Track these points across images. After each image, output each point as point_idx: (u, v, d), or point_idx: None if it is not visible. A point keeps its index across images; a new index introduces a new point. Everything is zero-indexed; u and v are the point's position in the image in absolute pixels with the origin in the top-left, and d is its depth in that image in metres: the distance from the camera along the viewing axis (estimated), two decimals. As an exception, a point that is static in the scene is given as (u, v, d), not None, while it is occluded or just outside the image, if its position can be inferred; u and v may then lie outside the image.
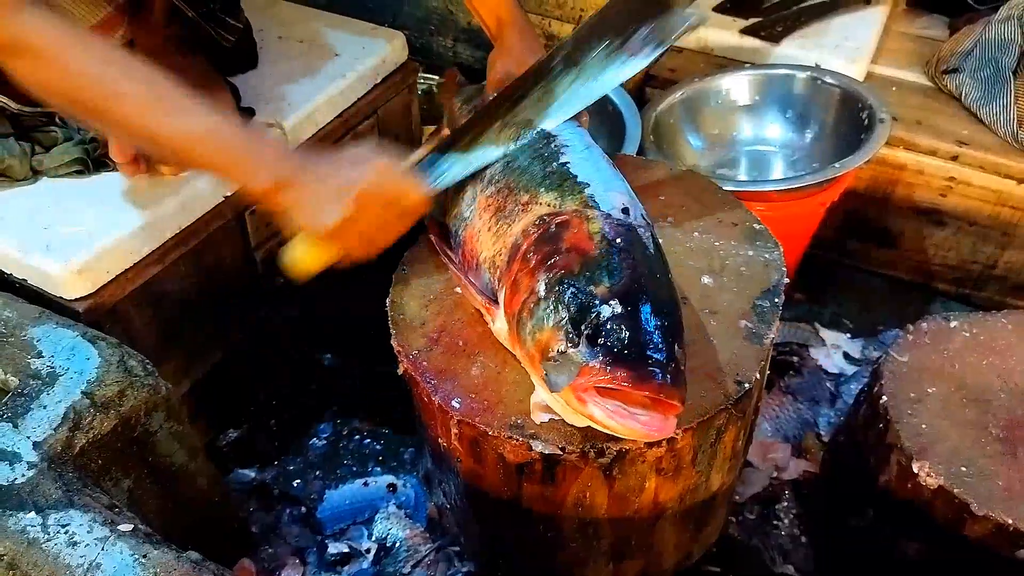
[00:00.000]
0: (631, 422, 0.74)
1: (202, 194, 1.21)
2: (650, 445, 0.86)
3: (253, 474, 1.41)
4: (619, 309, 0.77)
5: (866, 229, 1.74)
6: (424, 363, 0.95)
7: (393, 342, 0.99)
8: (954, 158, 1.56)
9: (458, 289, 1.02)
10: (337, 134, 1.43)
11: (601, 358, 0.74)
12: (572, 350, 0.76)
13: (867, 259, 1.78)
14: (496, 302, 0.90)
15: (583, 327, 0.76)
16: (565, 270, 0.82)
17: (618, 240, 0.84)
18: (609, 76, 1.00)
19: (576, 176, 0.93)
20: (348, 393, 1.54)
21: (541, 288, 0.81)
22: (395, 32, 1.53)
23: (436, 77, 1.81)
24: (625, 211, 0.89)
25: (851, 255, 1.79)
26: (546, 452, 0.86)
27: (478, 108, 1.12)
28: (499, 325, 0.89)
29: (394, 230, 0.93)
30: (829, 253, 1.76)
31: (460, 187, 1.03)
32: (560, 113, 1.01)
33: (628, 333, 0.75)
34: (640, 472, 0.90)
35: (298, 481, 1.41)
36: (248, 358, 1.44)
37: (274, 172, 0.88)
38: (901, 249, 1.74)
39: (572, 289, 0.79)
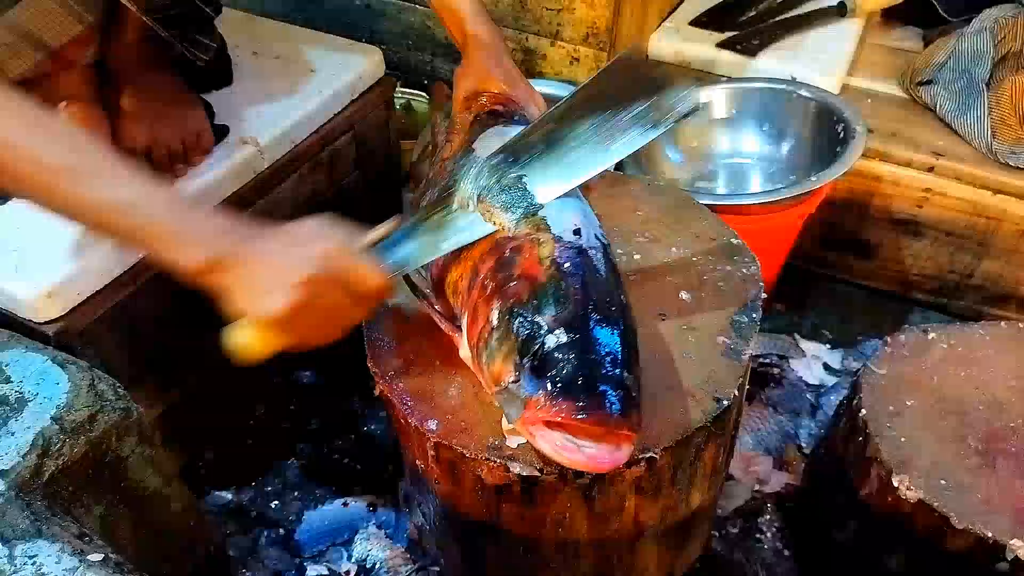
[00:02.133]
0: (577, 456, 0.73)
1: (176, 213, 1.20)
2: (628, 465, 0.86)
3: (230, 496, 1.39)
4: (563, 339, 0.75)
5: (844, 240, 1.75)
6: (400, 384, 0.94)
7: (369, 363, 0.98)
8: (930, 169, 1.57)
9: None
10: (314, 150, 1.42)
11: (546, 391, 0.72)
12: (516, 383, 0.75)
13: (845, 270, 1.79)
14: (460, 329, 0.89)
15: (526, 359, 0.75)
16: (515, 298, 0.79)
17: (567, 265, 0.81)
18: (596, 159, 0.91)
19: (532, 196, 0.89)
20: (327, 413, 1.52)
21: (494, 318, 0.80)
22: (372, 47, 1.52)
23: (414, 92, 1.80)
24: (577, 232, 0.86)
25: (830, 266, 1.80)
26: (524, 474, 0.85)
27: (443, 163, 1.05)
28: (464, 352, 0.88)
29: (349, 318, 0.83)
30: (808, 264, 1.77)
31: None
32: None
33: (573, 363, 0.73)
34: (619, 492, 0.90)
35: (276, 502, 1.39)
36: (225, 379, 1.42)
37: (209, 248, 0.78)
38: (879, 260, 1.75)
39: (519, 319, 0.77)
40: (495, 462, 0.86)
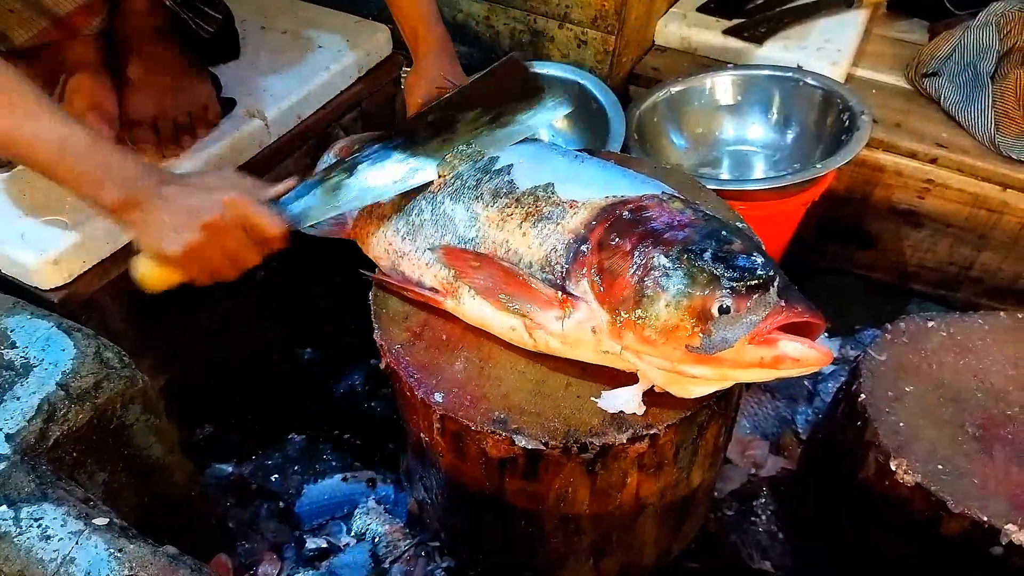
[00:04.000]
0: (816, 349, 0.77)
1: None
2: (632, 441, 0.87)
3: (230, 469, 1.39)
4: (761, 259, 0.81)
5: (845, 230, 1.75)
6: (407, 358, 0.95)
7: (376, 336, 0.98)
8: (933, 161, 1.58)
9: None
10: (320, 126, 1.42)
11: (777, 300, 0.77)
12: (755, 298, 0.77)
13: (845, 260, 1.80)
14: (569, 295, 0.87)
15: (738, 283, 0.78)
16: (684, 242, 0.83)
17: (704, 211, 0.89)
18: (481, 142, 1.03)
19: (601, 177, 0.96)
20: (328, 388, 1.53)
21: (664, 261, 0.81)
22: (379, 25, 1.52)
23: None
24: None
25: (830, 256, 1.81)
26: (529, 447, 0.86)
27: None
28: (579, 317, 0.85)
29: (244, 262, 0.93)
30: (808, 253, 1.77)
31: (428, 222, 1.01)
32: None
33: (781, 276, 0.80)
34: (622, 468, 0.90)
35: (276, 476, 1.40)
36: (228, 352, 1.42)
37: (122, 189, 0.88)
38: (879, 250, 1.75)
39: (711, 252, 0.81)
40: (500, 435, 0.87)
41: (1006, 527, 0.96)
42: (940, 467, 1.02)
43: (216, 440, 1.43)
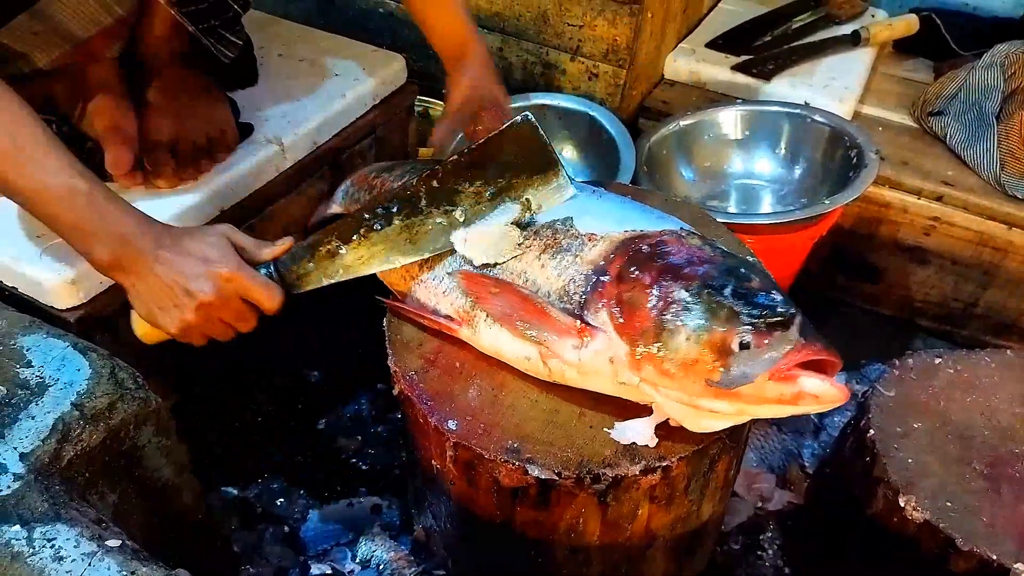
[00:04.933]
0: (835, 386, 0.77)
1: (197, 207, 1.21)
2: (644, 473, 0.87)
3: (236, 492, 1.39)
4: (780, 296, 0.82)
5: (851, 265, 1.77)
6: (421, 384, 0.95)
7: (390, 363, 0.99)
8: (939, 198, 1.60)
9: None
10: (336, 152, 1.43)
11: (797, 338, 0.78)
12: (776, 335, 0.78)
13: (852, 294, 1.81)
14: (587, 325, 0.87)
15: (757, 319, 0.79)
16: (704, 277, 0.84)
17: (722, 248, 0.90)
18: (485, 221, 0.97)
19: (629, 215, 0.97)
20: (335, 411, 1.53)
21: (684, 296, 0.82)
22: (395, 54, 1.54)
23: (432, 100, 1.82)
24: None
25: (837, 290, 1.82)
26: (542, 477, 0.86)
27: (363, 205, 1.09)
28: (596, 346, 0.86)
29: (243, 328, 0.95)
30: (815, 288, 1.79)
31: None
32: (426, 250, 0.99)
33: (800, 313, 0.80)
34: (634, 499, 0.91)
35: (282, 500, 1.39)
36: (237, 374, 1.43)
37: (112, 248, 0.87)
38: (885, 285, 1.77)
39: (731, 288, 0.82)
40: (514, 464, 0.87)
41: (1015, 566, 0.96)
42: (949, 504, 1.03)
43: (222, 462, 1.43)
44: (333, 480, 1.43)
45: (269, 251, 0.97)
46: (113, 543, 0.84)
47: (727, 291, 0.82)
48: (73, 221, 0.87)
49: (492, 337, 0.95)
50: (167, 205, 1.17)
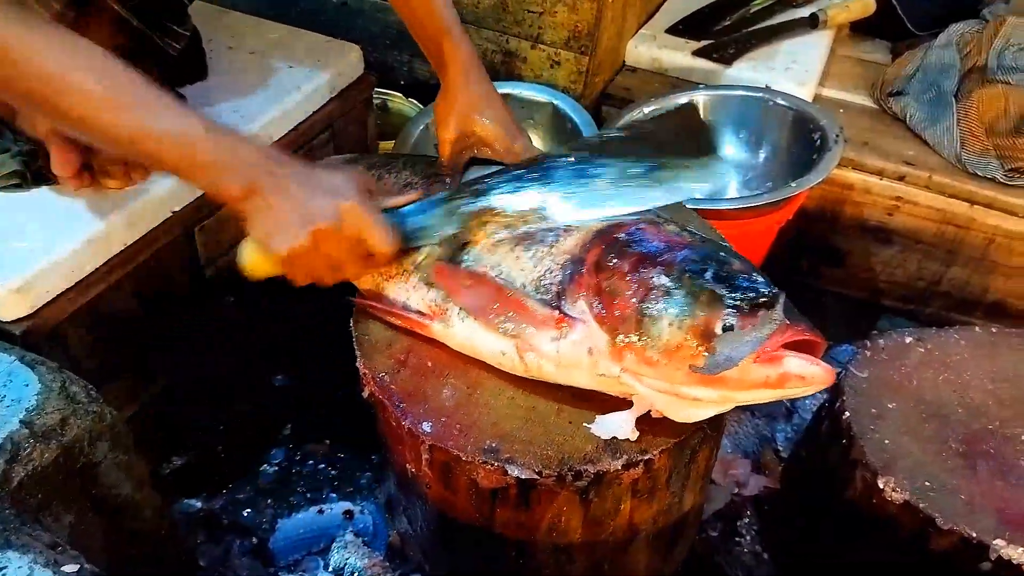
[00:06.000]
0: (820, 366, 0.76)
1: (149, 209, 1.15)
2: (626, 467, 0.85)
3: (200, 504, 1.34)
4: (761, 278, 0.81)
5: (816, 248, 1.77)
6: (392, 386, 0.92)
7: (359, 364, 0.95)
8: (901, 178, 1.60)
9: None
10: (292, 148, 1.38)
11: (781, 318, 0.76)
12: (760, 315, 0.76)
13: (817, 277, 1.81)
14: (566, 315, 0.85)
15: (741, 301, 0.77)
16: (684, 262, 0.82)
17: (700, 234, 0.89)
18: (637, 197, 0.93)
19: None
20: (300, 416, 1.48)
21: (665, 281, 0.80)
22: (351, 45, 1.49)
23: (390, 92, 1.78)
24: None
25: (802, 273, 1.82)
26: (522, 477, 0.84)
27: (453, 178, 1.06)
28: (575, 337, 0.84)
29: (344, 273, 0.91)
30: (781, 272, 1.77)
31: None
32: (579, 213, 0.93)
33: (782, 294, 0.79)
34: (616, 495, 0.89)
35: (248, 510, 1.35)
36: (196, 381, 1.37)
37: (244, 178, 0.84)
38: (849, 267, 1.78)
39: (712, 272, 0.80)
40: (493, 465, 0.84)
41: (994, 543, 0.96)
42: (927, 484, 1.03)
43: (184, 473, 1.37)
44: (301, 486, 1.39)
45: (394, 200, 0.95)
46: (70, 568, 0.79)
47: (708, 275, 0.81)
48: (201, 159, 0.84)
49: (466, 332, 0.91)
50: (117, 206, 1.11)
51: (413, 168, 1.09)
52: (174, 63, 1.28)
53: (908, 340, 1.23)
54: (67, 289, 1.06)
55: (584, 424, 0.88)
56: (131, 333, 1.20)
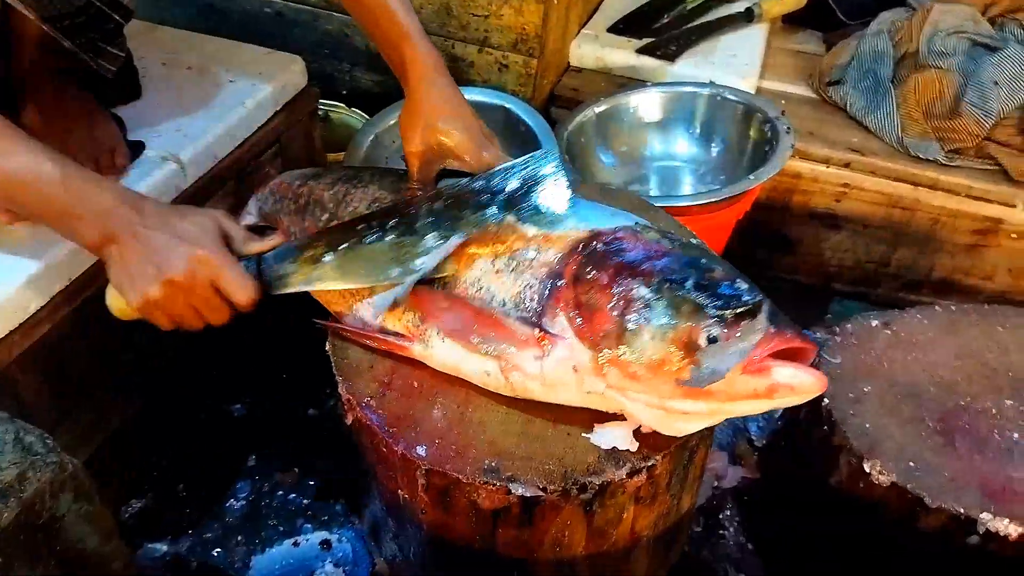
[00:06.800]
0: (811, 374, 0.74)
1: (93, 240, 1.08)
2: (631, 475, 0.83)
3: (166, 547, 1.26)
4: (745, 285, 0.79)
5: (768, 237, 1.80)
6: (380, 410, 0.88)
7: (341, 390, 0.91)
8: (847, 165, 1.64)
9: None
10: (239, 164, 1.32)
11: (766, 326, 0.74)
12: (744, 325, 0.74)
13: (770, 265, 1.84)
14: (547, 333, 0.82)
15: (724, 311, 0.75)
16: (663, 272, 0.79)
17: (680, 240, 0.87)
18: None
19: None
20: (266, 445, 1.42)
21: (644, 292, 0.77)
22: (292, 56, 1.44)
23: (333, 103, 1.72)
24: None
25: (754, 263, 1.85)
26: (527, 495, 0.81)
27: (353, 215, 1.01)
28: (559, 355, 0.81)
29: (211, 320, 0.89)
30: (737, 263, 1.80)
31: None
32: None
33: (767, 300, 0.77)
34: (619, 503, 0.87)
35: (218, 550, 1.27)
36: (153, 418, 1.30)
37: (99, 227, 0.83)
38: (800, 254, 1.81)
39: (693, 282, 0.78)
40: (494, 485, 0.81)
41: (981, 516, 0.98)
42: (912, 464, 1.04)
43: (146, 516, 1.29)
44: (273, 519, 1.32)
45: (256, 245, 0.92)
46: (44, 635, 0.72)
47: (689, 284, 0.78)
48: (55, 204, 0.82)
49: (447, 353, 0.88)
50: (58, 238, 1.03)
51: (381, 183, 1.04)
52: (107, 85, 1.21)
53: (875, 323, 1.25)
54: (11, 331, 0.98)
55: (583, 434, 0.86)
56: (81, 373, 1.12)
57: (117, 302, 0.91)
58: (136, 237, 0.83)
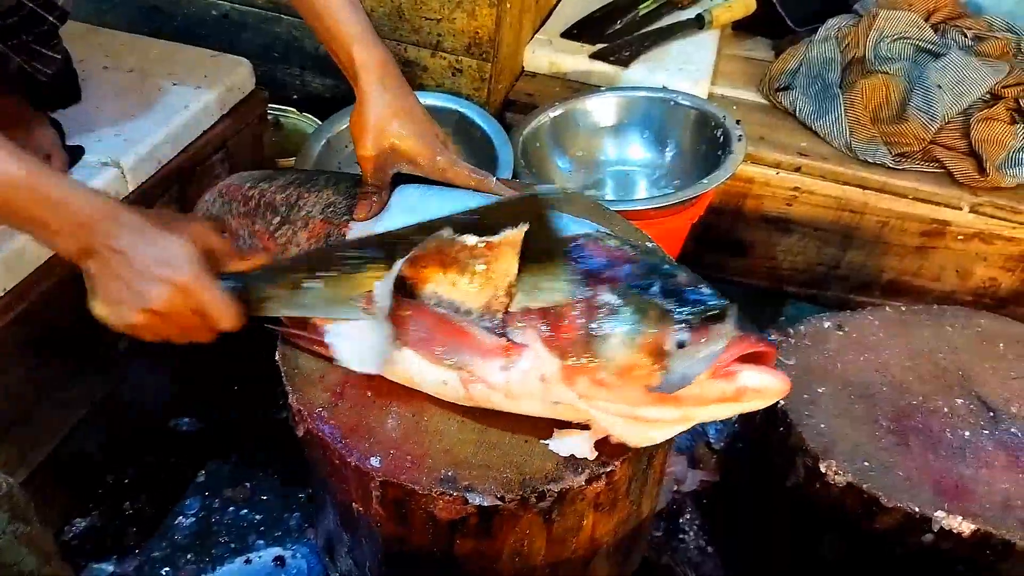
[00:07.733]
0: (776, 376, 0.74)
1: (27, 250, 1.03)
2: (590, 481, 0.82)
3: (112, 568, 1.21)
4: (708, 290, 0.78)
5: (720, 241, 1.81)
6: (331, 421, 0.85)
7: (291, 401, 0.88)
8: (797, 169, 1.66)
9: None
10: (184, 170, 1.28)
11: (734, 330, 0.73)
12: (712, 329, 0.73)
13: (723, 269, 1.86)
14: (513, 343, 0.80)
15: (691, 315, 0.74)
16: (628, 278, 0.78)
17: (642, 246, 0.87)
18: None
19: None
20: (215, 459, 1.37)
21: (611, 298, 0.76)
22: (238, 58, 1.41)
23: (283, 108, 1.69)
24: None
25: (707, 266, 1.86)
26: (484, 504, 0.79)
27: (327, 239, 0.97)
28: (525, 365, 0.79)
29: (195, 339, 0.85)
30: (691, 267, 1.81)
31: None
32: None
33: (732, 305, 0.76)
34: (579, 511, 0.85)
35: (167, 569, 1.23)
36: (94, 434, 1.24)
37: (76, 239, 0.78)
38: (753, 257, 1.83)
39: (658, 286, 0.77)
40: (451, 495, 0.79)
41: (935, 514, 0.99)
42: (867, 464, 1.05)
43: (90, 536, 1.24)
44: (223, 536, 1.28)
45: (240, 264, 0.86)
46: (-24, 669, 0.68)
47: (654, 289, 0.78)
48: (32, 212, 0.76)
49: (403, 362, 0.85)
50: (-10, 249, 0.99)
51: (336, 187, 1.02)
52: (43, 88, 1.16)
53: (827, 325, 1.27)
54: (-61, 348, 0.93)
55: (541, 441, 0.84)
56: (17, 390, 1.07)
57: (101, 311, 0.84)
58: (115, 253, 0.78)
